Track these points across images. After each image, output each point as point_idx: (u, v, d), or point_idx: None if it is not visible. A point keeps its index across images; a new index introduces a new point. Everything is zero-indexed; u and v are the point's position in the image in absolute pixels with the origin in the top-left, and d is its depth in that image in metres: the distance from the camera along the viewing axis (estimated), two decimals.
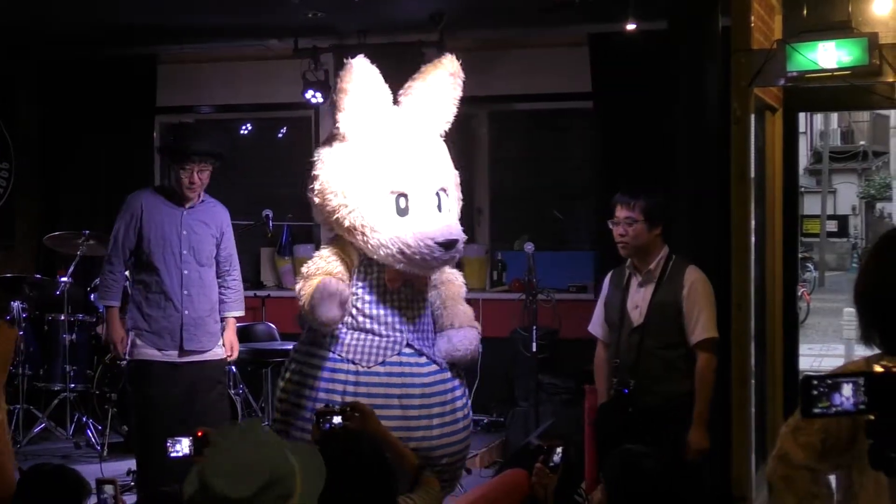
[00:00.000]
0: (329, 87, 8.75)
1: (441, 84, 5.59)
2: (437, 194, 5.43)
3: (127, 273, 6.36)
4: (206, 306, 6.12)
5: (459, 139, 9.54)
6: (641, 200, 5.10)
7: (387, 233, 5.23)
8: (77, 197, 9.63)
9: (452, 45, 8.37)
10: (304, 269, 5.40)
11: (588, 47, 8.45)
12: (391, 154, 5.39)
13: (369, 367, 5.37)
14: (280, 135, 10.12)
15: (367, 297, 5.45)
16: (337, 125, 5.40)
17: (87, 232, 8.04)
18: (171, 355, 6.04)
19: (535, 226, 9.42)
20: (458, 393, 5.61)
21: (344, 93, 5.34)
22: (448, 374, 5.55)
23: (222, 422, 6.33)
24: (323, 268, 5.37)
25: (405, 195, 5.31)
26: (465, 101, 9.44)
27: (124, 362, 6.36)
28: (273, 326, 8.61)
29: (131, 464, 6.85)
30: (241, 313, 6.46)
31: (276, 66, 9.25)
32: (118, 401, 7.77)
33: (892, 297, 2.51)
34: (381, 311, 5.45)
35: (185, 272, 6.04)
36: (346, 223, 5.33)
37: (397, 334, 5.43)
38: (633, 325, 5.13)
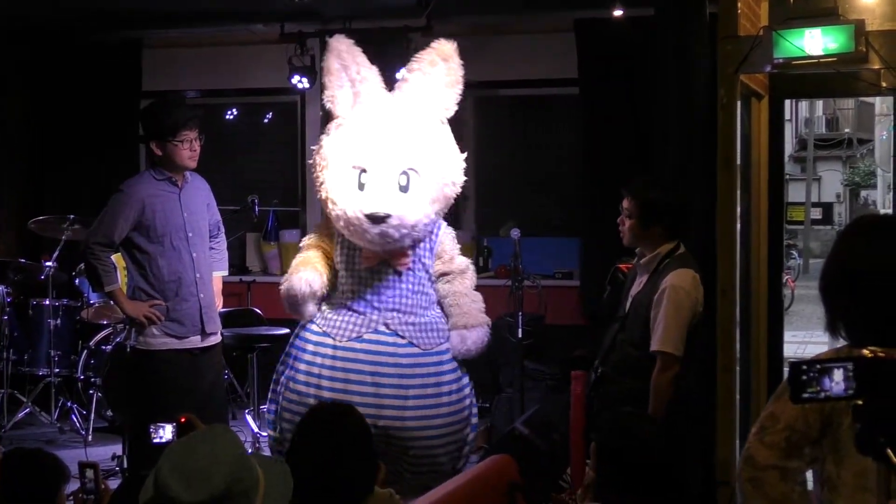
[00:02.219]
0: (315, 72, 8.74)
1: (434, 69, 5.68)
2: (406, 174, 5.51)
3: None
4: (211, 286, 6.07)
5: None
6: (641, 196, 5.02)
7: (342, 205, 5.51)
8: (62, 182, 9.59)
9: (439, 31, 8.38)
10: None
11: (574, 33, 8.44)
12: (357, 130, 5.59)
13: (343, 343, 5.52)
14: (266, 120, 10.09)
15: (345, 274, 5.62)
16: (325, 104, 5.64)
17: (72, 217, 8.02)
18: (194, 341, 5.92)
19: (521, 212, 9.41)
20: (444, 379, 5.67)
21: (325, 72, 5.52)
22: (432, 359, 5.64)
23: (224, 404, 6.38)
24: (302, 256, 5.82)
25: (364, 170, 5.42)
26: None
27: (129, 345, 6.12)
28: (259, 311, 8.60)
29: (116, 448, 6.85)
30: (225, 272, 6.43)
31: (261, 50, 9.22)
32: (103, 386, 7.75)
33: (855, 289, 2.52)
34: (358, 289, 5.62)
35: (195, 255, 5.92)
36: (321, 195, 5.67)
37: (374, 313, 5.56)
38: (620, 313, 5.12)
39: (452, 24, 8.68)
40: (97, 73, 9.43)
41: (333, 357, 5.62)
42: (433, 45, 5.73)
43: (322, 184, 5.63)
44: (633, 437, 3.52)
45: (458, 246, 6.12)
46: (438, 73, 5.70)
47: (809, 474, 2.66)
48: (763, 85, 6.49)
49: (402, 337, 5.63)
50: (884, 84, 5.90)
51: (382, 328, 5.63)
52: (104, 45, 9.40)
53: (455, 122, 9.61)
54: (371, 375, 5.53)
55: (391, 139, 5.59)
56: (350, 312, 5.66)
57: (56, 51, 9.45)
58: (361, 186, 5.50)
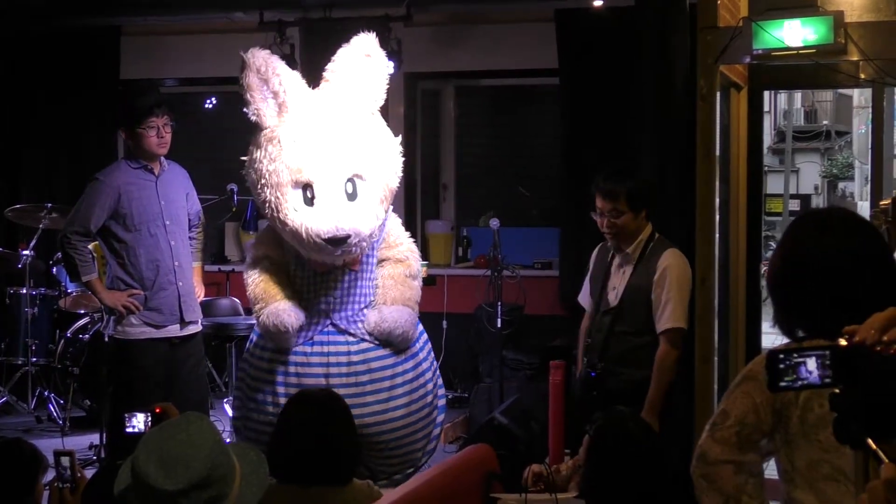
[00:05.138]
0: (295, 62, 8.70)
1: (357, 65, 5.55)
2: (351, 181, 5.43)
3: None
4: (190, 275, 6.06)
5: (425, 114, 9.60)
6: (625, 189, 4.95)
7: (293, 223, 5.32)
8: (39, 170, 9.54)
9: (419, 20, 8.38)
10: (248, 281, 5.66)
11: (555, 23, 8.43)
12: (296, 145, 5.38)
13: (295, 347, 5.49)
14: (245, 109, 10.04)
15: (297, 280, 5.57)
16: (250, 117, 5.47)
17: (50, 205, 7.98)
18: (173, 330, 5.92)
19: (500, 202, 9.42)
20: (400, 370, 5.62)
21: (246, 88, 5.38)
22: (383, 351, 5.59)
23: (205, 393, 6.37)
24: (265, 281, 5.60)
25: (310, 185, 5.32)
26: (432, 76, 9.52)
27: (108, 334, 6.12)
28: (237, 301, 8.59)
29: (93, 438, 6.83)
30: (200, 263, 6.41)
31: (241, 39, 9.14)
32: (80, 375, 7.72)
33: (805, 280, 2.55)
34: (309, 293, 5.57)
35: (173, 243, 5.91)
36: (267, 213, 5.45)
37: (323, 314, 5.53)
38: (608, 306, 5.06)
39: (433, 13, 8.67)
40: (75, 60, 9.37)
41: (286, 363, 5.60)
42: (354, 40, 5.62)
43: (266, 202, 5.39)
44: (627, 431, 3.56)
45: (406, 234, 5.93)
46: (362, 68, 5.55)
47: (772, 464, 2.69)
48: (742, 76, 6.51)
49: (353, 335, 5.61)
50: (862, 76, 5.92)
51: (331, 328, 5.61)
52: (82, 32, 9.35)
53: (435, 111, 9.67)
54: (325, 378, 5.50)
55: (331, 149, 5.41)
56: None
57: (33, 37, 9.39)
58: (309, 201, 5.36)
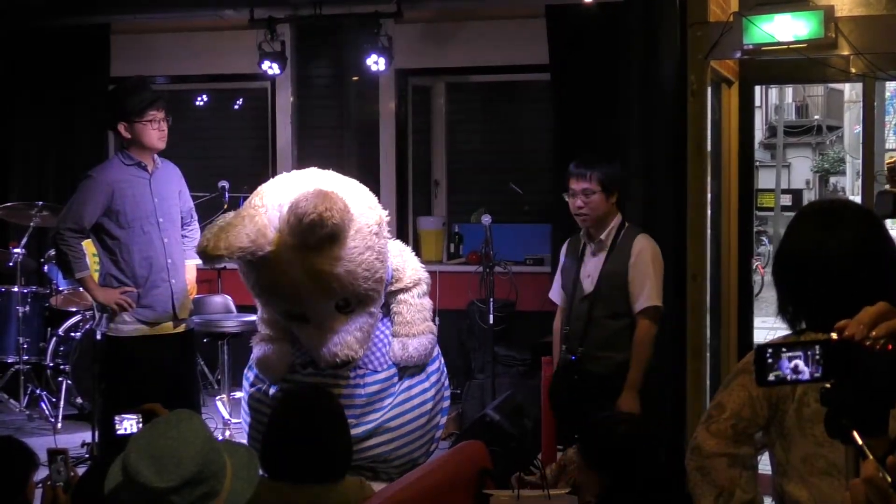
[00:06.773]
0: (285, 58, 8.70)
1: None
2: (345, 300, 5.40)
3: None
4: (183, 272, 6.05)
5: (416, 111, 9.59)
6: (597, 171, 5.09)
7: (295, 331, 5.60)
8: (30, 168, 9.51)
9: (410, 16, 8.36)
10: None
11: (545, 19, 8.43)
12: (275, 296, 5.52)
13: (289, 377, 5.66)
14: (236, 106, 10.04)
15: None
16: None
17: (41, 203, 7.96)
18: (165, 327, 5.89)
19: (492, 198, 9.42)
20: (396, 389, 5.68)
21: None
22: (383, 375, 5.65)
23: (196, 391, 6.36)
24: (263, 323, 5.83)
25: (306, 320, 5.47)
26: (422, 73, 9.51)
27: (100, 331, 6.10)
28: (229, 298, 8.57)
29: (86, 436, 6.83)
30: (198, 261, 6.37)
31: (231, 36, 9.17)
32: (72, 373, 7.71)
33: (804, 271, 2.56)
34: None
35: (166, 240, 5.89)
36: None
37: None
38: (584, 293, 5.15)
39: (423, 10, 8.66)
40: (65, 58, 9.34)
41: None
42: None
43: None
44: (613, 437, 3.59)
45: (409, 252, 6.05)
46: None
47: (765, 458, 2.70)
48: (733, 71, 6.51)
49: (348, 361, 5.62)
50: (853, 70, 5.93)
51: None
52: (72, 30, 9.31)
53: (426, 108, 9.66)
54: None
55: (310, 290, 5.31)
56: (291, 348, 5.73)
57: (22, 35, 9.36)
58: (304, 318, 5.48)
